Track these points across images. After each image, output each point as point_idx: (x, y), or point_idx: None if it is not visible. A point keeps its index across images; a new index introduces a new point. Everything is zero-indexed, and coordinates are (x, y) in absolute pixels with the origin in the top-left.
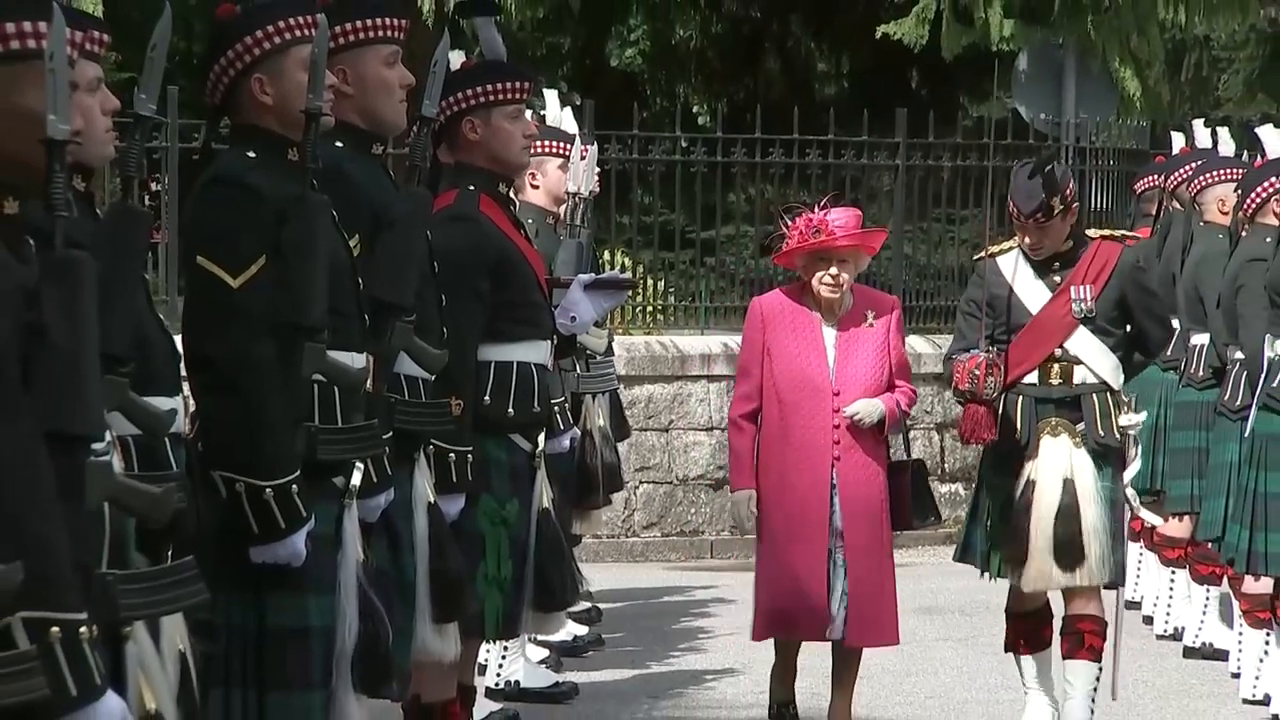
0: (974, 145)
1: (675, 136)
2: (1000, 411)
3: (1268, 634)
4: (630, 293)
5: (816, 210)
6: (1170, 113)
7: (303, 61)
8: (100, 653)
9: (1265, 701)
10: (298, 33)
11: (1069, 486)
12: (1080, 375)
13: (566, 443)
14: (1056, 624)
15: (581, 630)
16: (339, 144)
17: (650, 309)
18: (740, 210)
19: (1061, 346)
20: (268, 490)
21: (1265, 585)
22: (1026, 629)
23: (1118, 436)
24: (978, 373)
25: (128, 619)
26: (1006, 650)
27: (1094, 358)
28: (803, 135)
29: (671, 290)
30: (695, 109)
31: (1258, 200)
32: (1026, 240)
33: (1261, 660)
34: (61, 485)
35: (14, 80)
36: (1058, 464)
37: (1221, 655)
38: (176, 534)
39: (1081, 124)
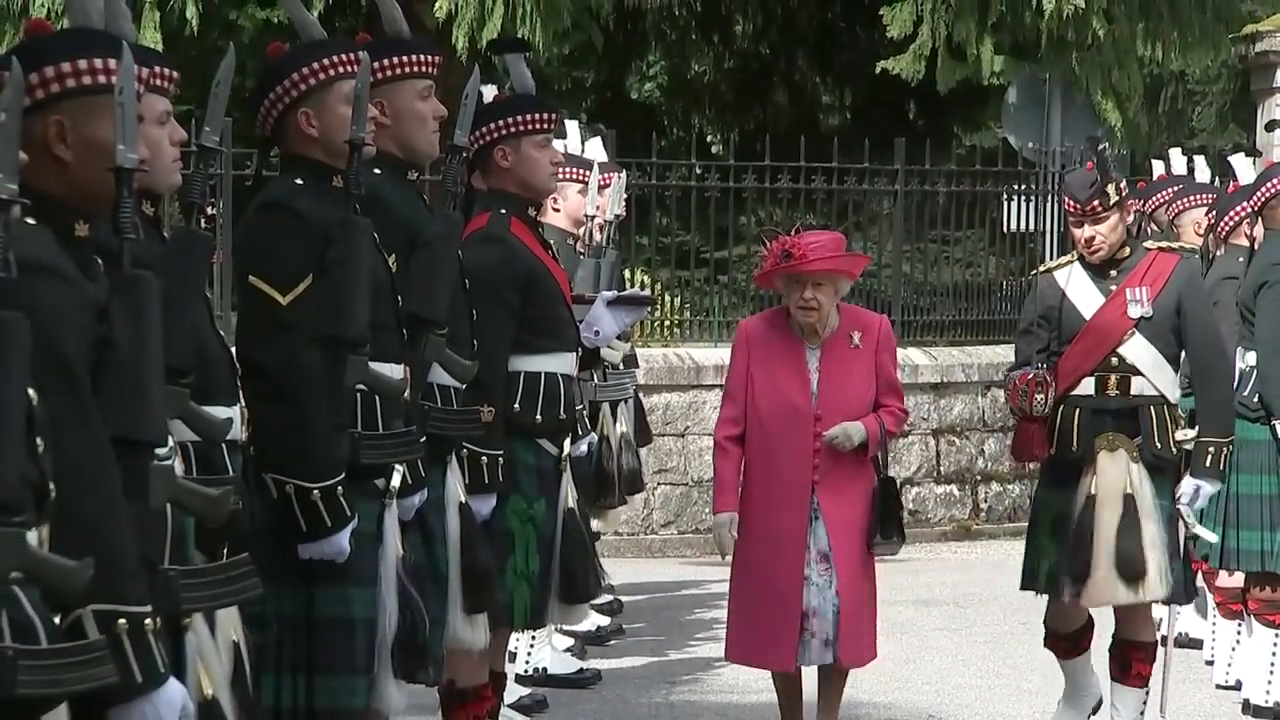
0: (967, 171)
1: (690, 164)
2: (1056, 425)
3: (1239, 625)
4: (649, 309)
5: (792, 233)
6: (1148, 142)
7: (345, 96)
8: (163, 643)
9: (1237, 687)
10: (340, 69)
11: (1129, 502)
12: (1138, 386)
13: (584, 447)
14: (1098, 639)
15: (604, 620)
16: (377, 171)
17: (668, 323)
18: (751, 232)
19: (1118, 355)
20: (315, 491)
21: (1238, 580)
22: (1065, 645)
23: (1174, 451)
24: (1026, 389)
25: (187, 611)
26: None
27: (1151, 368)
28: (808, 163)
29: (687, 306)
30: (709, 138)
31: (1231, 223)
32: (1085, 236)
33: (1234, 649)
34: (127, 487)
35: (87, 113)
36: (1117, 480)
37: (1196, 644)
38: (232, 532)
39: (1067, 152)
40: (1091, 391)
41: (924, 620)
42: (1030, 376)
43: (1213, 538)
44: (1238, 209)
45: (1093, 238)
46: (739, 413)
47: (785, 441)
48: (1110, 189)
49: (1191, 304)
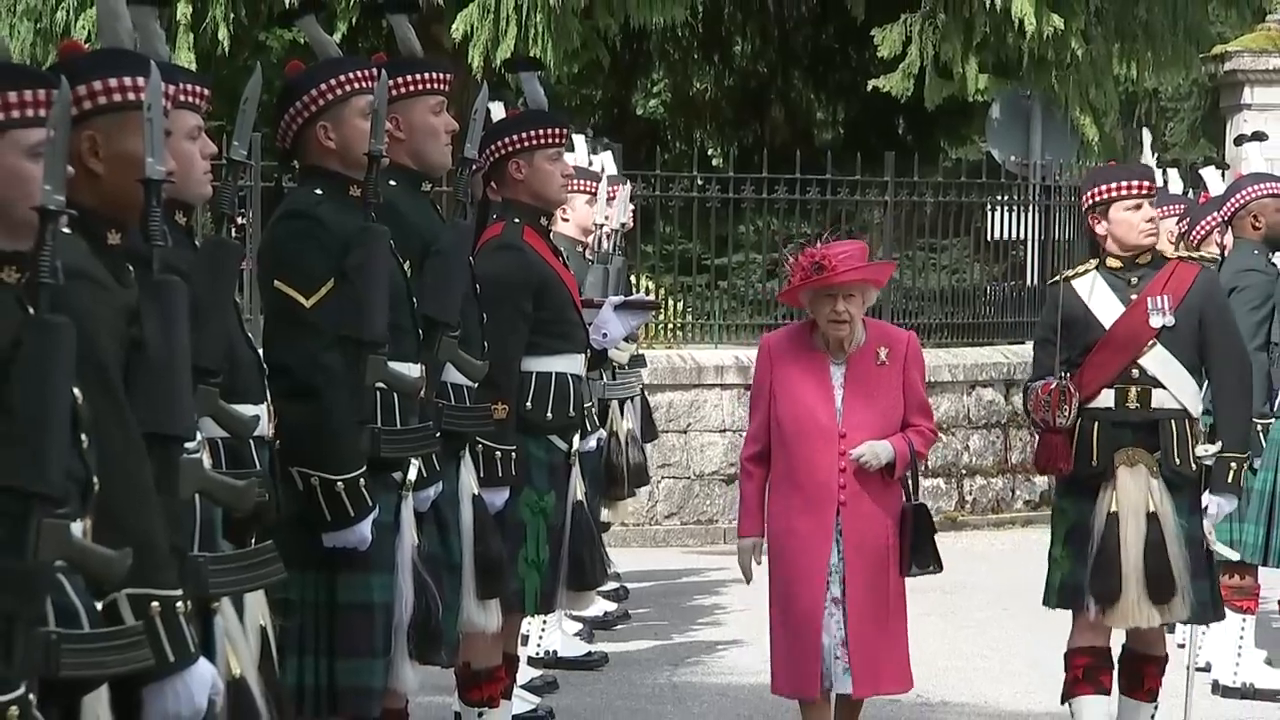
0: (953, 183)
1: (692, 176)
2: (1075, 438)
3: (1243, 620)
4: (654, 313)
5: (818, 244)
6: (1123, 156)
7: (361, 110)
8: (193, 625)
9: (1206, 669)
10: (356, 85)
11: (1154, 521)
12: (1159, 399)
13: (594, 443)
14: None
15: (611, 606)
16: (393, 182)
17: (671, 326)
18: (749, 240)
19: (1139, 365)
20: (339, 483)
21: (1247, 581)
22: (1086, 668)
23: (1194, 467)
24: (1049, 400)
25: (216, 595)
26: (1063, 701)
27: (1173, 380)
28: (803, 175)
29: (689, 310)
30: (710, 152)
31: (1203, 232)
32: (1147, 216)
33: (1204, 633)
34: (158, 479)
35: (118, 128)
36: (1139, 497)
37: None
38: (260, 522)
39: (1047, 165)
40: (1111, 404)
41: (912, 606)
42: (1054, 387)
43: (1233, 555)
44: (1209, 219)
45: (1153, 218)
46: (761, 428)
47: (809, 461)
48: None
49: (1214, 316)
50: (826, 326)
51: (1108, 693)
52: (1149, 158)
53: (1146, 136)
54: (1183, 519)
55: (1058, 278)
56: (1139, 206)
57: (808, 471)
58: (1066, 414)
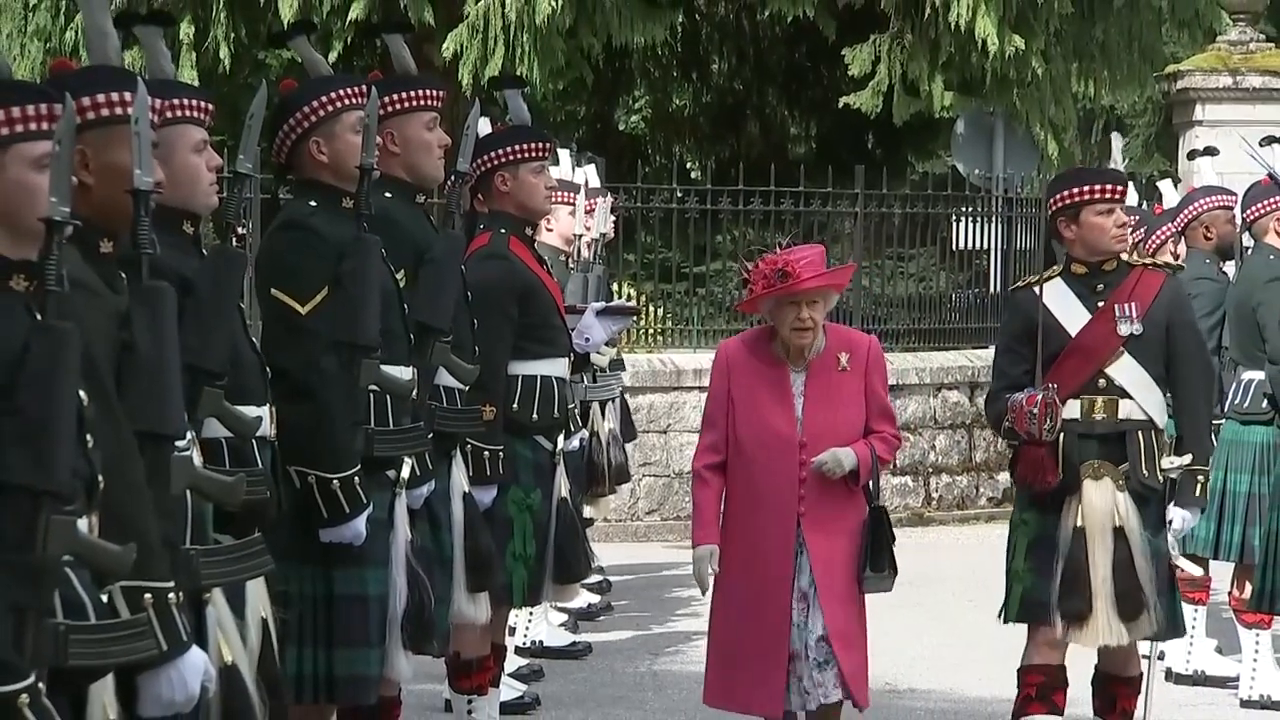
0: (920, 195)
1: (672, 188)
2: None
3: (1195, 611)
4: (634, 318)
5: (779, 251)
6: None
7: (352, 125)
8: (186, 615)
9: (1161, 657)
10: (347, 101)
11: (1120, 537)
12: (1126, 410)
13: (576, 442)
14: (1073, 690)
15: (594, 598)
16: (388, 194)
17: (651, 331)
18: (726, 249)
19: (1105, 375)
20: (335, 481)
21: (1195, 569)
22: (1040, 686)
23: (1160, 480)
24: (1036, 413)
25: (207, 586)
26: (1015, 719)
27: (1140, 390)
28: (778, 187)
29: (669, 316)
30: (688, 165)
31: (1158, 241)
32: (1119, 221)
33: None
34: (151, 476)
35: (106, 141)
36: (1105, 511)
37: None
38: (261, 518)
39: (1009, 178)
40: (1077, 415)
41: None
42: (1041, 399)
43: (1197, 572)
44: (1163, 229)
45: (1124, 224)
46: (719, 439)
47: (769, 470)
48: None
49: (1180, 325)
50: (789, 334)
51: (1061, 712)
52: (1119, 163)
53: (1117, 141)
54: (1149, 532)
55: (1019, 283)
56: (1110, 211)
57: (768, 482)
58: (1052, 427)
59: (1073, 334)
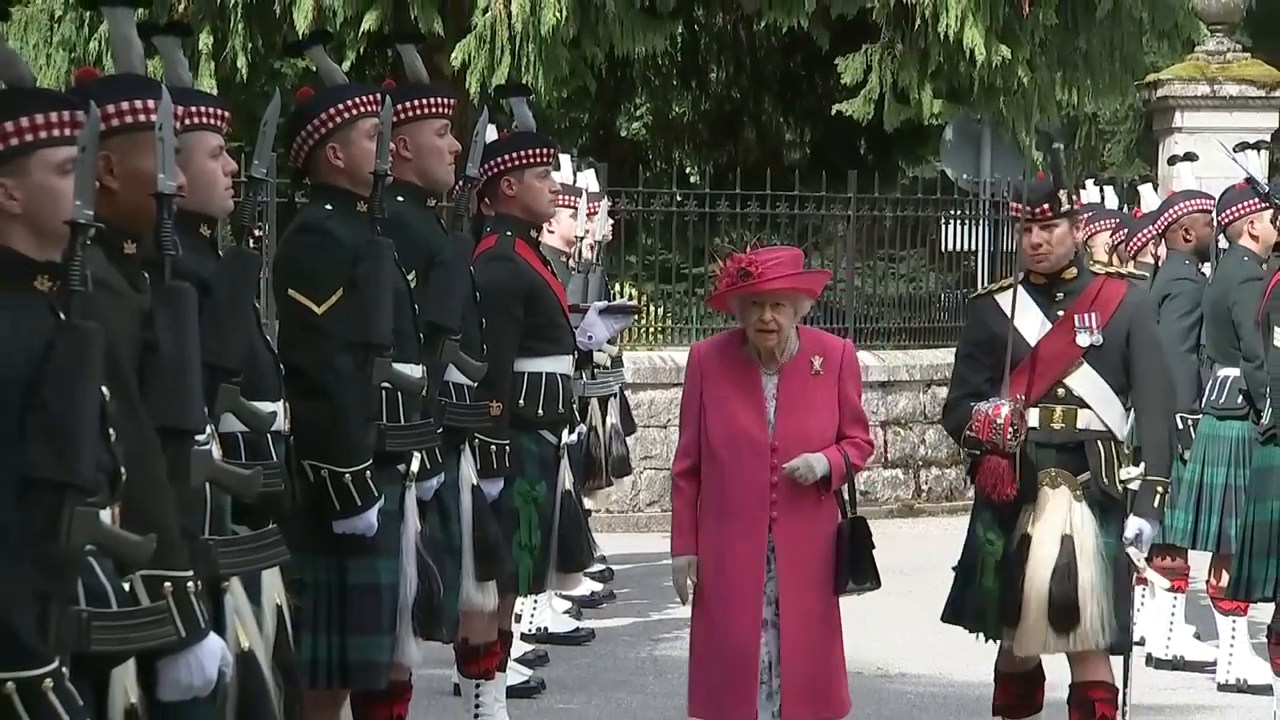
0: (910, 199)
1: (671, 192)
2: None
3: (1174, 598)
4: (636, 317)
5: (748, 250)
6: (1070, 174)
7: (367, 132)
8: (204, 602)
9: (1141, 643)
10: (362, 109)
11: (1067, 544)
12: (1084, 420)
13: (575, 437)
14: (1050, 689)
15: (597, 586)
16: (400, 198)
17: (652, 330)
18: (724, 252)
19: (1064, 385)
20: (347, 475)
21: (1178, 563)
22: (1017, 691)
23: (1120, 490)
24: (1000, 422)
25: (225, 575)
26: (995, 715)
27: (1099, 401)
28: (773, 191)
29: (669, 315)
30: (688, 170)
31: (1139, 244)
32: (1033, 242)
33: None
34: (171, 469)
35: (131, 147)
36: (1056, 519)
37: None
38: (277, 511)
39: (996, 183)
40: (1035, 424)
41: None
42: (1005, 411)
43: (1164, 583)
44: (1144, 232)
45: (1039, 244)
46: (691, 442)
47: (739, 476)
48: (1061, 195)
49: (1141, 336)
50: (754, 336)
51: (1039, 709)
52: (1060, 176)
53: (1060, 157)
54: (1108, 538)
55: (980, 291)
56: (1028, 229)
57: (738, 487)
58: (1017, 439)
59: (1032, 344)
